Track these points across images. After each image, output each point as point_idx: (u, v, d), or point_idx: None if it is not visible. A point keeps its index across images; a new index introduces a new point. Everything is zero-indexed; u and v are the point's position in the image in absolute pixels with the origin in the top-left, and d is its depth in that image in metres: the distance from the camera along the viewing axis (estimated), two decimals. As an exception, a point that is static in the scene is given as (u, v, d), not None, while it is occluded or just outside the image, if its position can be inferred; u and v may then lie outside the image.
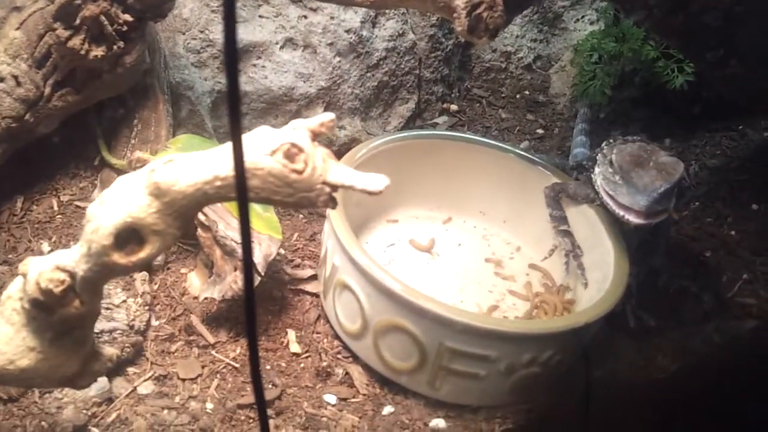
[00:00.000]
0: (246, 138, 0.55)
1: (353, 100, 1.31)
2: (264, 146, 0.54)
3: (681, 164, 0.97)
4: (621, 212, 0.97)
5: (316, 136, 0.57)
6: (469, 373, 0.90)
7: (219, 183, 0.55)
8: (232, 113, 0.44)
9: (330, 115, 0.58)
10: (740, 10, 0.96)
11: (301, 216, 1.23)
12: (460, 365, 0.90)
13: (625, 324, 1.09)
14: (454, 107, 1.54)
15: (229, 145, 0.51)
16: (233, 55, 0.41)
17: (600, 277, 0.99)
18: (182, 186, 0.55)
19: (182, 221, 0.57)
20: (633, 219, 0.96)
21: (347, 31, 1.26)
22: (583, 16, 1.69)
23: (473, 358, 0.88)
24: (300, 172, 0.54)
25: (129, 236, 0.57)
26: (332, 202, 0.58)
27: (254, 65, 1.23)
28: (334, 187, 0.57)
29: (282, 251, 1.14)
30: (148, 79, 1.07)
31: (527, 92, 1.64)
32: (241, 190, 0.48)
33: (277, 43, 1.23)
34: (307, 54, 1.26)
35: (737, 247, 1.31)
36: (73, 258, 0.61)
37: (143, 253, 0.57)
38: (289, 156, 0.54)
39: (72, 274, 0.61)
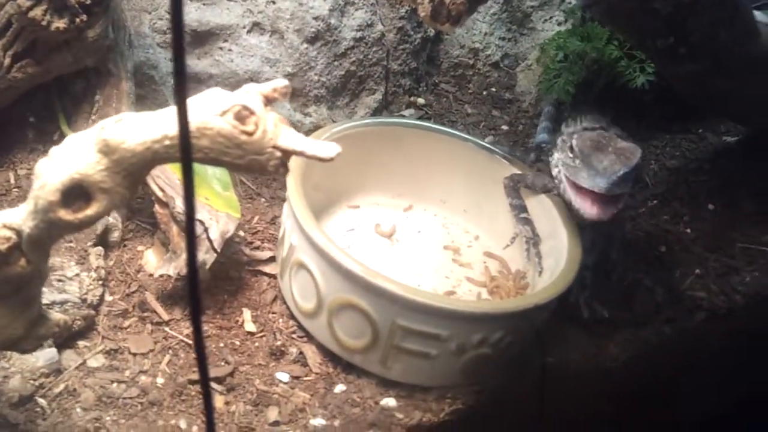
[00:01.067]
0: (197, 98, 0.55)
1: (320, 88, 1.32)
2: (214, 107, 0.55)
3: (639, 150, 0.99)
4: (577, 202, 0.99)
5: (269, 101, 0.58)
6: (421, 352, 0.91)
7: (168, 142, 0.55)
8: (177, 71, 0.44)
9: (283, 81, 0.59)
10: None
11: (263, 200, 1.24)
12: (412, 344, 0.91)
13: (579, 315, 1.11)
14: (421, 101, 1.56)
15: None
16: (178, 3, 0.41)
17: (553, 264, 1.01)
18: (131, 144, 0.56)
19: (131, 180, 0.57)
20: (588, 210, 0.98)
21: (315, 18, 1.27)
22: (551, 17, 1.72)
23: (425, 336, 0.89)
24: (250, 134, 0.55)
25: (76, 193, 0.57)
26: (283, 168, 0.59)
27: (220, 48, 1.23)
28: (285, 152, 0.58)
29: (242, 233, 1.15)
30: (111, 56, 1.07)
31: (494, 89, 1.66)
32: (185, 151, 0.48)
33: (244, 27, 1.23)
34: (274, 39, 1.26)
35: (692, 244, 1.34)
36: (20, 216, 0.61)
37: (90, 210, 0.57)
38: (240, 118, 0.55)
39: (18, 232, 0.61)
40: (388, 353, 0.92)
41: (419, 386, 0.96)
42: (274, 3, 1.25)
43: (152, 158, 0.56)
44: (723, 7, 1.08)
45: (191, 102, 0.54)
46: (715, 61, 1.19)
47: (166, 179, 0.98)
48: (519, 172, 1.13)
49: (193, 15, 1.19)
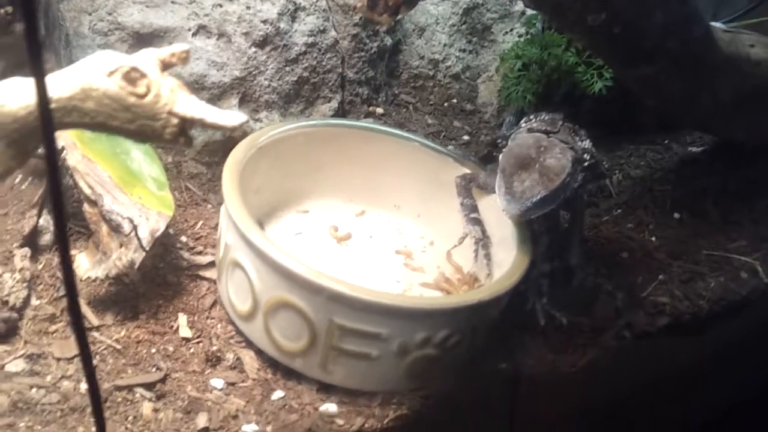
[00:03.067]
0: (85, 60, 0.52)
1: (270, 93, 1.29)
2: (102, 68, 0.51)
3: (567, 167, 0.95)
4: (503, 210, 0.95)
5: (166, 67, 0.55)
6: (361, 353, 0.86)
7: (52, 105, 0.52)
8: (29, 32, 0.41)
9: (183, 46, 0.56)
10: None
11: (209, 206, 1.19)
12: (352, 344, 0.86)
13: (536, 323, 1.07)
14: (380, 110, 1.53)
15: (68, 69, 0.48)
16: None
17: (502, 261, 0.98)
18: (12, 108, 0.52)
19: (16, 149, 0.53)
20: (509, 215, 0.94)
21: (264, 22, 1.25)
22: (511, 29, 1.71)
23: (364, 336, 0.85)
24: (140, 97, 0.51)
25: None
26: (184, 138, 0.55)
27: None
28: (183, 119, 0.54)
29: (184, 239, 1.10)
30: (45, 55, 1.04)
31: (455, 100, 1.65)
32: (44, 109, 0.45)
33: (189, 30, 1.20)
34: (221, 43, 1.24)
35: (655, 251, 1.31)
36: None
37: (-29, 182, 0.53)
38: (130, 79, 0.51)
39: None
40: (328, 355, 0.87)
41: (363, 392, 0.91)
42: (221, 6, 1.22)
43: (36, 123, 0.52)
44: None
45: (79, 63, 0.51)
46: (670, 63, 1.17)
47: (96, 176, 0.93)
48: (470, 171, 1.10)
49: (135, 17, 1.17)
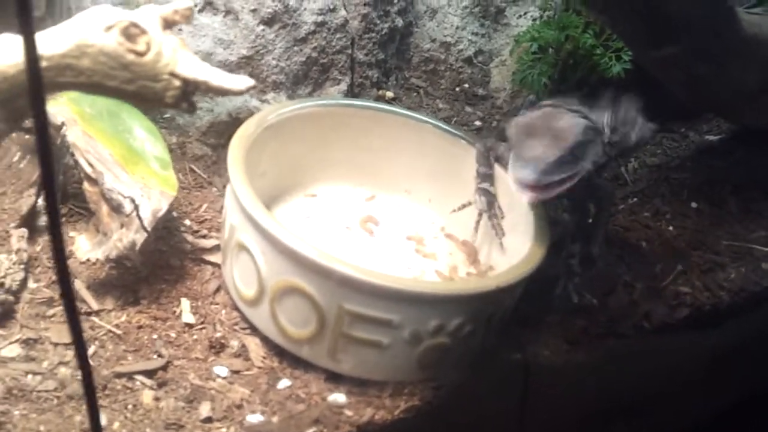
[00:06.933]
0: (80, 14, 0.48)
1: (278, 74, 1.24)
2: (99, 23, 0.47)
3: (580, 125, 0.90)
4: (515, 188, 0.89)
5: (169, 24, 0.51)
6: (372, 341, 0.82)
7: (45, 63, 0.48)
8: None
9: (187, 2, 0.51)
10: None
11: (214, 189, 1.15)
12: (362, 331, 0.82)
13: (552, 309, 1.03)
14: (390, 94, 1.49)
15: (62, 25, 0.44)
16: None
17: (518, 244, 0.93)
18: (1, 66, 0.48)
19: (7, 111, 0.49)
20: (524, 197, 0.88)
21: (272, -1, 1.20)
22: (525, 13, 1.66)
23: (375, 322, 0.81)
24: (140, 54, 0.47)
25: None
26: (187, 103, 0.51)
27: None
28: (186, 81, 0.50)
29: (188, 222, 1.07)
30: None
31: (467, 85, 1.60)
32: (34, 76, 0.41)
33: (195, 6, 1.16)
34: (228, 20, 1.19)
35: (674, 240, 1.28)
36: None
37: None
38: (129, 35, 0.47)
39: None
40: (337, 343, 0.83)
41: (374, 381, 0.87)
42: (228, -19, 1.18)
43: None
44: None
45: (74, 19, 0.47)
46: (694, 43, 1.12)
47: (96, 153, 0.89)
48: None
49: (139, -8, 1.12)
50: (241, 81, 0.49)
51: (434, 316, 0.81)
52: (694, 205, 1.35)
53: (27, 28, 0.38)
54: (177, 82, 0.48)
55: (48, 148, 0.36)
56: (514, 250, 0.97)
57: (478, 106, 1.57)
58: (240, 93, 0.49)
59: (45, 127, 0.38)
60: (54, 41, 0.46)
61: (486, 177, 1.01)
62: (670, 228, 1.31)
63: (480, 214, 0.98)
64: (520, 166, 0.86)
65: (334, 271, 0.79)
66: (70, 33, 0.46)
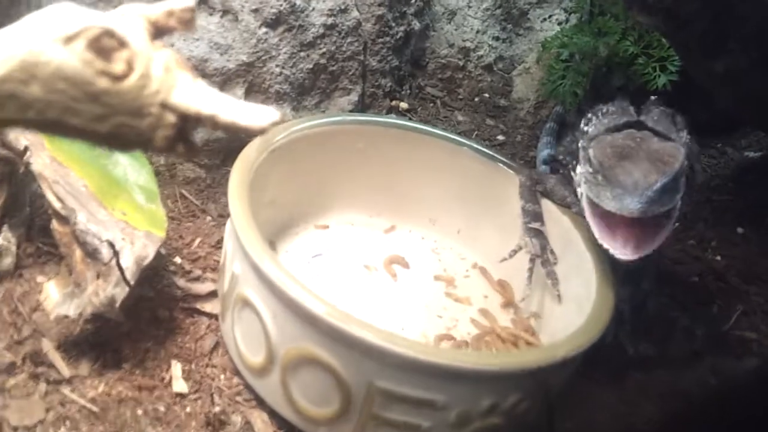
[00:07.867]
0: (29, 17, 0.32)
1: (282, 83, 1.08)
2: (55, 28, 0.31)
3: (681, 150, 0.75)
4: (603, 236, 0.74)
5: (160, 33, 0.34)
6: (409, 424, 0.66)
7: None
8: None
9: (187, 2, 0.35)
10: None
11: (208, 218, 0.99)
12: (397, 413, 0.66)
13: (601, 360, 0.88)
14: (404, 105, 1.33)
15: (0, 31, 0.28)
16: None
17: (577, 295, 0.78)
18: None
19: None
20: (619, 249, 0.72)
21: (276, -2, 1.04)
22: (550, 16, 1.51)
23: (413, 403, 0.65)
24: (118, 78, 0.31)
25: None
26: (184, 145, 0.35)
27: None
28: (184, 117, 0.33)
29: (178, 260, 0.90)
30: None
31: (487, 95, 1.45)
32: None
33: (187, 5, 1.00)
34: (226, 21, 1.03)
35: (726, 274, 1.15)
36: None
37: None
38: (101, 50, 0.31)
39: None
40: (365, 426, 0.67)
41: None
42: (225, -23, 1.02)
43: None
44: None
45: (20, 23, 0.31)
46: (753, 55, 0.98)
47: (67, 185, 0.73)
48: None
49: (122, -12, 0.96)
50: (264, 114, 0.33)
51: (488, 394, 0.65)
52: (740, 230, 1.24)
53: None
54: (171, 118, 0.32)
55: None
56: (569, 300, 0.81)
57: (500, 118, 1.41)
58: (262, 132, 0.34)
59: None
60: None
61: (535, 216, 0.85)
62: (718, 258, 1.19)
63: (532, 260, 0.83)
64: (620, 194, 0.70)
65: (363, 340, 0.63)
66: (11, 46, 0.29)
